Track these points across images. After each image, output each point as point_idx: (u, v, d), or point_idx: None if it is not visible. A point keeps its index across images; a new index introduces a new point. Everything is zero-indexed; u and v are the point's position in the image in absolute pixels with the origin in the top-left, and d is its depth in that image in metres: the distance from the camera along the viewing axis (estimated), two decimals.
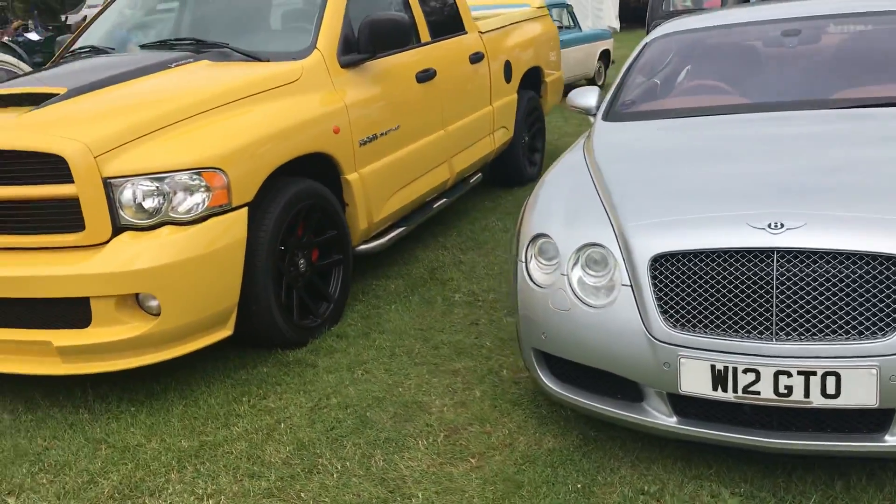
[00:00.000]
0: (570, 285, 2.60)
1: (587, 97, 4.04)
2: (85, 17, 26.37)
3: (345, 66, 4.16)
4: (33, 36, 23.72)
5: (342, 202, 4.10)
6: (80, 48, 4.46)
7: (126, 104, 3.40)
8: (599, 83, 12.78)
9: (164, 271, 3.09)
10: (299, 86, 3.86)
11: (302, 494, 2.65)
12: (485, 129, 5.78)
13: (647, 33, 10.37)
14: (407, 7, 4.97)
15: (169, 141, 3.25)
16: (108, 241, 3.13)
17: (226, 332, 3.41)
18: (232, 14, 4.60)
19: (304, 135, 3.72)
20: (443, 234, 5.43)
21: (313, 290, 3.89)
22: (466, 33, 5.61)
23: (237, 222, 3.32)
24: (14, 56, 7.02)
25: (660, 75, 3.88)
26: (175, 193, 3.16)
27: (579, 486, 2.58)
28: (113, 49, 4.39)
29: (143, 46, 4.32)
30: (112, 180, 3.10)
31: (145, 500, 2.68)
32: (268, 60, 3.95)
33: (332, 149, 3.91)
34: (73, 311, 3.12)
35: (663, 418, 2.48)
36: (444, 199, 5.22)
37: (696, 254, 2.40)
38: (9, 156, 3.12)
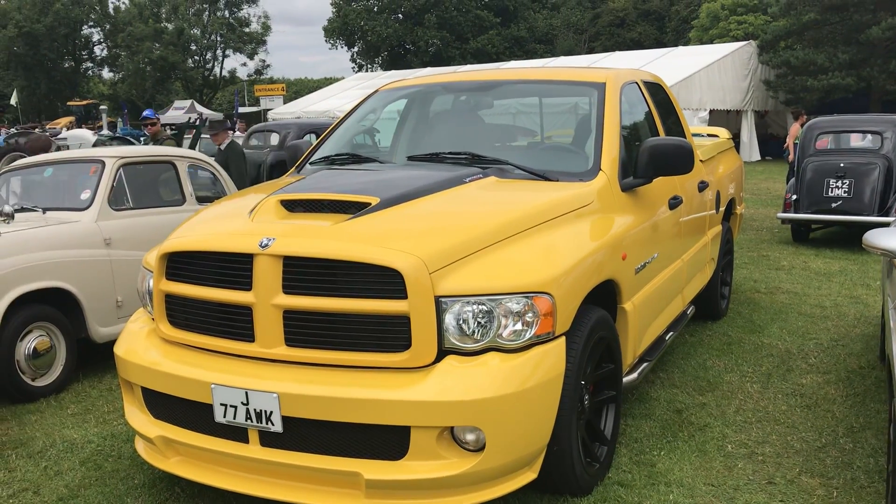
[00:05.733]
0: None
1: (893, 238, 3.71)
2: (192, 119, 27.23)
3: (624, 189, 3.94)
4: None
5: None
6: (337, 155, 4.35)
7: (444, 219, 3.19)
8: None
9: (497, 404, 2.77)
10: (592, 208, 3.64)
11: None
12: (704, 259, 5.48)
13: (795, 168, 10.21)
14: (654, 130, 4.79)
15: (497, 261, 3.00)
16: (431, 365, 2.85)
17: (531, 475, 3.04)
18: (488, 129, 4.49)
19: (604, 260, 3.46)
20: (663, 371, 5.04)
21: (590, 430, 3.52)
22: None
23: (558, 353, 3.02)
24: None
25: None
26: (503, 317, 2.89)
27: None
28: (375, 159, 4.28)
29: (410, 158, 4.19)
30: (443, 299, 2.85)
31: None
32: (557, 180, 3.75)
33: (619, 275, 3.63)
34: (388, 441, 2.81)
35: None
36: (672, 332, 4.86)
37: None
38: (336, 266, 2.90)
